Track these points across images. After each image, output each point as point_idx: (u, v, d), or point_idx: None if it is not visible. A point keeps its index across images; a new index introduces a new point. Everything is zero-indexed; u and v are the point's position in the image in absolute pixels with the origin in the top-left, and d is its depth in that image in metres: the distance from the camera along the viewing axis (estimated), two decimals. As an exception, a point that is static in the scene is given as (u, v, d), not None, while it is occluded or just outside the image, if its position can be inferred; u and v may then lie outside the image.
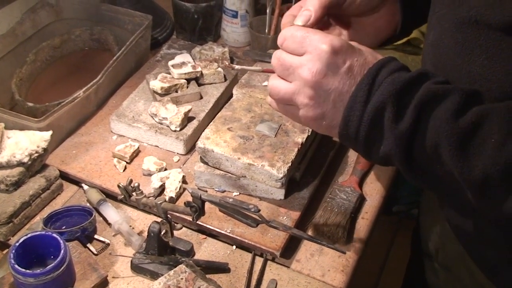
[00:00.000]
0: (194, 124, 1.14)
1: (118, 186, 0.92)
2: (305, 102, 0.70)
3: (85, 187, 1.07)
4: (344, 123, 0.68)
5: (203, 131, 1.07)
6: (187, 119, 1.13)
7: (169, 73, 1.20)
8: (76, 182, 1.09)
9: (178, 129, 1.11)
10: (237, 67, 0.83)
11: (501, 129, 0.61)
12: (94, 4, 1.38)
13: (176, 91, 1.18)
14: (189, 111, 1.12)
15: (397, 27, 0.87)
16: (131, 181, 0.92)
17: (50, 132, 1.05)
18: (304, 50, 0.69)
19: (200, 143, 1.03)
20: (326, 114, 0.70)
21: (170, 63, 1.21)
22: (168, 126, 1.12)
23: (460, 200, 0.74)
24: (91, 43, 1.38)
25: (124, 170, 1.09)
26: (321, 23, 0.82)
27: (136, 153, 1.12)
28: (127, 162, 1.10)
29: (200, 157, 1.04)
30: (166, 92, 1.16)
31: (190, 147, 1.13)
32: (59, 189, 1.07)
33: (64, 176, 1.09)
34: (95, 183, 1.06)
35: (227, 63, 0.86)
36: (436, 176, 0.68)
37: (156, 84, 1.16)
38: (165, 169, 1.08)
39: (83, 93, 1.13)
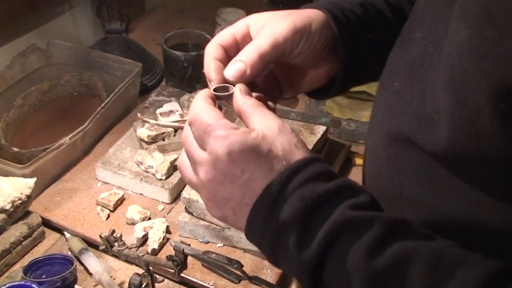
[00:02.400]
0: (179, 173, 1.13)
1: (100, 236, 0.91)
2: (205, 200, 0.60)
3: (67, 235, 1.05)
4: (247, 232, 0.59)
5: (189, 180, 1.06)
6: (173, 167, 1.13)
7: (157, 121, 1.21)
8: (59, 229, 1.08)
9: (163, 177, 1.11)
10: (151, 121, 0.73)
11: (423, 278, 0.50)
12: (84, 50, 1.39)
13: (163, 139, 1.18)
14: (175, 159, 1.12)
15: (331, 79, 0.74)
16: (113, 231, 0.91)
17: (34, 179, 1.04)
18: (205, 147, 0.57)
19: (185, 193, 1.02)
20: (228, 218, 0.60)
21: (158, 111, 1.21)
22: (153, 174, 1.12)
23: None
24: (80, 88, 1.38)
25: (107, 219, 1.08)
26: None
27: (120, 201, 1.11)
28: (110, 210, 1.09)
29: (185, 207, 1.04)
30: (153, 140, 1.16)
31: (175, 196, 1.12)
32: (41, 237, 1.06)
33: (46, 223, 1.08)
34: (78, 231, 1.05)
35: (139, 115, 0.73)
36: None
37: (143, 132, 1.16)
38: (149, 218, 1.07)
39: (69, 140, 1.12)
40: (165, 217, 1.08)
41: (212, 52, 0.65)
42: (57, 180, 1.16)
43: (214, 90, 0.61)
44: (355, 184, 0.58)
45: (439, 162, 0.56)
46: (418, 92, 0.59)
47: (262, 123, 0.58)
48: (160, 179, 1.11)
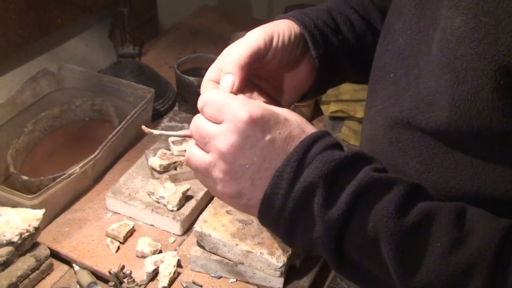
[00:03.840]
0: (192, 203, 1.10)
1: (109, 273, 0.88)
2: (220, 177, 0.61)
3: (76, 267, 1.03)
4: (266, 201, 0.60)
5: (201, 211, 1.04)
6: (185, 198, 1.10)
7: (169, 149, 1.18)
8: (67, 261, 1.05)
9: (175, 209, 1.08)
10: (155, 132, 0.74)
11: (448, 233, 0.55)
12: (96, 75, 1.37)
13: (175, 169, 1.15)
14: (187, 190, 1.09)
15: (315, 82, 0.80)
16: (123, 267, 0.88)
17: (42, 211, 1.01)
18: (223, 118, 0.61)
19: (197, 227, 0.99)
20: (243, 192, 0.61)
21: (171, 139, 1.18)
22: (165, 205, 1.09)
23: None
24: (92, 113, 1.36)
25: (117, 251, 1.05)
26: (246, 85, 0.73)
27: (131, 233, 1.08)
28: (120, 242, 1.06)
29: (197, 240, 1.00)
30: (165, 169, 1.14)
31: (187, 227, 1.09)
32: (49, 269, 1.03)
33: (54, 254, 1.05)
34: (87, 264, 1.02)
35: (143, 127, 0.74)
36: (371, 275, 0.60)
37: (155, 161, 1.13)
38: (160, 251, 1.04)
39: (79, 169, 1.10)
40: (176, 249, 1.05)
41: (206, 87, 0.71)
42: (67, 209, 1.13)
43: None
44: (368, 154, 0.62)
45: (440, 140, 0.60)
46: (412, 78, 0.64)
47: (275, 108, 0.63)
48: (172, 210, 1.08)
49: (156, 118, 1.39)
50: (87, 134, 1.33)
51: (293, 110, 1.38)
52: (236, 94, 0.66)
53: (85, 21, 1.56)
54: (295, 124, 0.62)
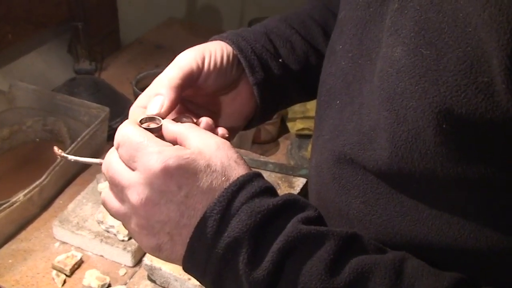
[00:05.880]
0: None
1: (47, 314, 0.81)
2: (136, 230, 0.55)
3: (18, 304, 0.95)
4: (188, 258, 0.53)
5: (155, 240, 0.96)
6: (137, 227, 1.03)
7: (122, 173, 1.11)
8: (9, 296, 0.98)
9: (126, 238, 1.01)
10: (70, 157, 0.63)
11: None
12: (49, 94, 1.30)
13: (128, 194, 1.08)
14: (139, 218, 1.02)
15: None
16: (63, 306, 0.81)
17: (-21, 244, 0.94)
18: (135, 165, 0.53)
19: (146, 260, 0.92)
20: (163, 247, 0.55)
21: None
22: (115, 234, 1.02)
23: None
24: (44, 134, 1.29)
25: (63, 285, 0.98)
26: (177, 107, 0.64)
27: (78, 265, 1.01)
28: (67, 275, 0.99)
29: (147, 274, 0.94)
30: (116, 195, 1.07)
31: (139, 258, 1.02)
32: (-11, 306, 0.96)
33: (-5, 289, 0.98)
34: (29, 300, 0.95)
35: (56, 150, 0.63)
36: None
37: (105, 186, 1.06)
38: (109, 285, 0.97)
39: (23, 196, 1.03)
40: (126, 283, 0.98)
41: (133, 114, 0.62)
42: (11, 239, 1.06)
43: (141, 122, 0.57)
44: (301, 198, 0.56)
45: (383, 180, 0.55)
46: (357, 106, 0.58)
47: (199, 141, 0.55)
48: (122, 240, 1.01)
49: (112, 137, 1.32)
50: (39, 156, 1.26)
51: (258, 129, 1.33)
52: (164, 116, 0.59)
53: (42, 36, 1.49)
54: (218, 171, 0.54)
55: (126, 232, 1.00)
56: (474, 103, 0.44)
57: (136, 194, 0.52)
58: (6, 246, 1.05)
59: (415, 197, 0.53)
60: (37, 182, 1.05)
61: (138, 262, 1.02)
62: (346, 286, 0.49)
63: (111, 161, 0.55)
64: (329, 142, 0.61)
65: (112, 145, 0.56)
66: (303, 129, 1.36)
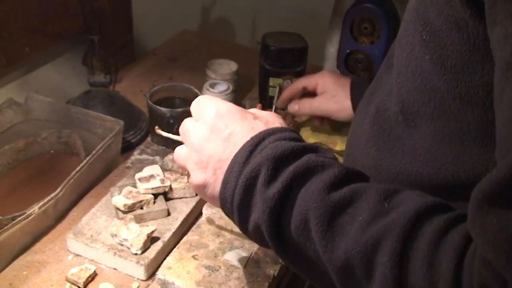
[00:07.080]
0: (158, 245, 1.04)
1: (61, 327, 0.82)
2: (191, 167, 0.69)
3: (32, 316, 0.96)
4: (222, 186, 0.65)
5: (168, 253, 0.97)
6: (150, 240, 1.03)
7: (135, 187, 1.12)
8: (23, 308, 0.98)
9: (139, 252, 1.01)
10: (164, 134, 0.84)
11: (371, 208, 0.55)
12: (64, 106, 1.31)
13: (142, 208, 1.09)
14: (152, 232, 1.03)
15: None
16: (77, 321, 0.82)
17: (-5, 256, 0.95)
18: (198, 115, 0.71)
19: (160, 274, 0.93)
20: (208, 182, 0.68)
21: (137, 176, 1.12)
22: (128, 248, 1.02)
23: None
24: (58, 146, 1.30)
25: (76, 298, 0.98)
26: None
27: (92, 277, 1.01)
28: (80, 288, 0.99)
29: (160, 288, 0.94)
30: (130, 209, 1.07)
31: (152, 272, 1.03)
32: (3, 318, 0.97)
33: (10, 301, 0.98)
34: (43, 312, 0.95)
35: (156, 127, 0.86)
36: (307, 258, 0.59)
37: (119, 200, 1.07)
38: (122, 299, 0.98)
39: (38, 209, 1.03)
40: (139, 297, 0.99)
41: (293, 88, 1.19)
42: (26, 251, 1.07)
43: None
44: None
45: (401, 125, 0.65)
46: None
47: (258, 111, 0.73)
48: (136, 254, 1.01)
49: (127, 149, 1.33)
50: (54, 168, 1.27)
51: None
52: None
53: (57, 48, 1.51)
54: (262, 122, 0.67)
55: (140, 245, 1.01)
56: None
57: (194, 133, 0.68)
58: (20, 257, 1.06)
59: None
60: (52, 195, 1.06)
61: (151, 276, 1.03)
62: (340, 200, 0.56)
63: (185, 119, 0.73)
64: (361, 107, 0.76)
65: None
66: (315, 143, 1.37)
